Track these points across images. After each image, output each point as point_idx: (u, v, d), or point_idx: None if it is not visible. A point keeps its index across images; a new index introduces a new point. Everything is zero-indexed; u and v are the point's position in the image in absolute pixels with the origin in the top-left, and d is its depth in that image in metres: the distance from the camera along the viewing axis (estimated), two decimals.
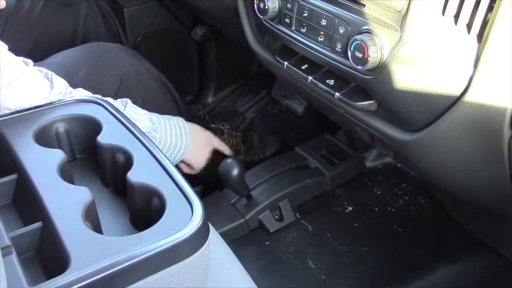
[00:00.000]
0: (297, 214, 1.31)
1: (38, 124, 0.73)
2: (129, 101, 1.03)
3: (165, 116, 1.13)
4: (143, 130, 0.75)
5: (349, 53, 0.79)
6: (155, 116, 1.09)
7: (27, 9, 1.40)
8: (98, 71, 1.18)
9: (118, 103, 0.99)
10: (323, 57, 0.87)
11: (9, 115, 0.75)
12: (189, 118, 1.39)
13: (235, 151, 1.55)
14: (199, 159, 1.23)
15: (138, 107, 1.04)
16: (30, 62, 0.85)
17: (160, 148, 0.91)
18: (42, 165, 0.66)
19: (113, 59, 1.22)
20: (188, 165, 1.24)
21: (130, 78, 1.22)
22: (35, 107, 0.77)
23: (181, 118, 1.19)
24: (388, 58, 0.75)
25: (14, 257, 0.55)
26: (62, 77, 0.93)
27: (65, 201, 0.61)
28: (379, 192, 1.37)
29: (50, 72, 0.87)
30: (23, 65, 0.81)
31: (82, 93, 0.91)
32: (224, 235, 0.82)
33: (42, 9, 1.42)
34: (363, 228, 1.28)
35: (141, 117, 1.03)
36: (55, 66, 1.13)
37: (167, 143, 1.11)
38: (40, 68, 0.87)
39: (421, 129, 0.78)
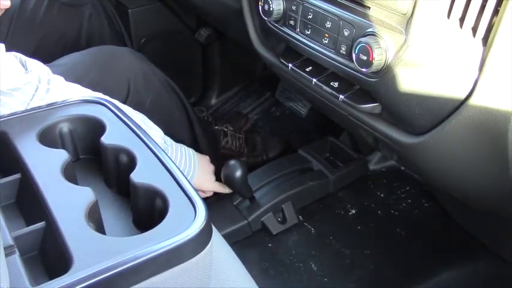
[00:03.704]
0: (300, 216, 1.31)
1: (42, 124, 0.73)
2: (145, 117, 1.03)
3: (178, 144, 1.13)
4: None
5: (354, 55, 0.79)
6: (168, 138, 1.09)
7: (31, 9, 1.40)
8: (106, 74, 1.18)
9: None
10: (327, 59, 0.87)
11: (13, 115, 0.75)
12: (196, 120, 1.40)
13: (238, 153, 1.55)
14: (207, 185, 1.23)
15: (153, 123, 1.04)
16: (1, 45, 0.84)
17: None
18: (45, 165, 0.66)
19: (121, 63, 1.22)
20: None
21: (138, 81, 1.22)
22: (39, 107, 0.77)
23: (192, 149, 1.19)
24: (392, 61, 0.75)
25: (16, 256, 0.55)
26: (72, 79, 0.93)
27: (68, 201, 0.61)
28: (382, 195, 1.37)
29: (24, 57, 0.86)
30: None
31: (74, 86, 0.91)
32: (227, 237, 0.82)
33: (47, 10, 1.43)
34: (365, 231, 1.28)
35: (155, 132, 1.03)
36: (64, 68, 1.13)
37: None
38: (16, 53, 0.87)
39: (425, 133, 0.78)
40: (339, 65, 0.85)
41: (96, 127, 0.74)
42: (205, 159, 1.24)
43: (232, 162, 1.17)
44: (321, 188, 1.35)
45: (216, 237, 0.75)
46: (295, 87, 1.06)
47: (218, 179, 1.22)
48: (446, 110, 0.73)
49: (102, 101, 0.79)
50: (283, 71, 1.02)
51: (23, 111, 0.76)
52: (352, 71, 0.83)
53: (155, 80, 1.28)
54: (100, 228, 0.64)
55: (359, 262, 1.21)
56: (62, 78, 0.90)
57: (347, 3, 0.81)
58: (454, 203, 1.25)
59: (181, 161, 1.12)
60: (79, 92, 0.90)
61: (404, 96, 0.76)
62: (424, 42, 0.70)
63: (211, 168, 1.23)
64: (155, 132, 1.03)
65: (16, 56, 0.86)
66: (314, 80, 0.91)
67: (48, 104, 0.78)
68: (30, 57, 0.87)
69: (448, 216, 1.29)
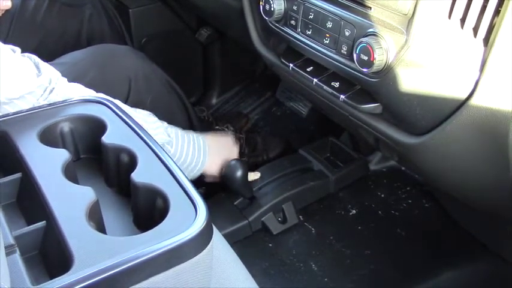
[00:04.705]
0: (300, 216, 1.31)
1: (42, 123, 0.73)
2: (149, 114, 1.03)
3: (184, 131, 1.13)
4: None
5: (355, 55, 0.79)
6: (173, 129, 1.09)
7: (32, 9, 1.40)
8: (107, 73, 1.18)
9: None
10: (328, 59, 0.87)
11: (14, 114, 0.75)
12: (196, 119, 1.40)
13: (239, 153, 1.55)
14: (215, 170, 1.23)
15: (155, 119, 1.04)
16: (17, 49, 0.85)
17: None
18: (46, 164, 0.66)
19: (121, 61, 1.23)
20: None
21: (139, 80, 1.22)
22: (40, 107, 0.77)
23: (202, 135, 1.18)
24: (393, 61, 0.75)
25: (17, 256, 0.55)
26: (72, 78, 0.93)
27: (69, 200, 0.61)
28: (382, 195, 1.37)
29: (37, 59, 0.87)
30: (10, 52, 0.82)
31: (76, 86, 0.91)
32: (227, 236, 0.82)
33: (47, 10, 1.43)
34: (366, 231, 1.28)
35: (156, 130, 1.03)
36: (65, 67, 1.13)
37: (181, 158, 1.11)
38: (30, 55, 0.88)
39: (426, 133, 0.78)
40: (340, 65, 0.85)
41: (97, 126, 0.74)
42: (225, 141, 1.23)
43: (232, 162, 1.18)
44: (322, 188, 1.35)
45: (217, 237, 0.75)
46: (295, 87, 1.06)
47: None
48: (447, 110, 0.73)
49: (103, 101, 0.79)
50: (284, 71, 1.02)
51: (23, 111, 0.76)
52: (353, 71, 0.83)
53: (156, 79, 1.28)
54: (101, 228, 0.64)
55: (359, 262, 1.21)
56: (65, 79, 0.90)
57: (348, 3, 0.81)
58: (454, 203, 1.25)
59: (189, 150, 1.11)
60: (82, 92, 0.90)
61: (405, 97, 0.76)
62: (425, 42, 0.71)
63: (228, 150, 1.23)
64: (156, 130, 1.03)
65: (30, 58, 0.87)
66: (315, 80, 0.91)
67: (49, 104, 0.78)
68: None
69: (448, 217, 1.29)
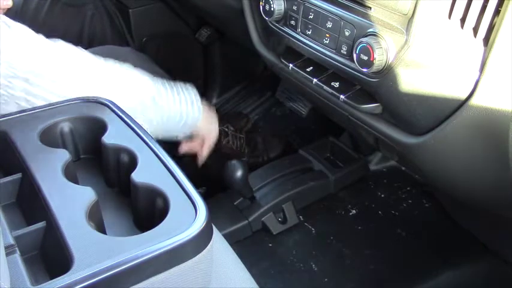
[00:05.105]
0: (301, 216, 1.31)
1: (43, 124, 0.73)
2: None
3: (173, 83, 1.12)
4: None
5: (355, 55, 0.79)
6: (166, 81, 1.08)
7: (33, 9, 1.41)
8: None
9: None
10: (328, 59, 0.87)
11: (14, 114, 0.75)
12: None
13: (239, 153, 1.55)
14: (212, 133, 1.22)
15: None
16: None
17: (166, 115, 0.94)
18: (46, 164, 0.66)
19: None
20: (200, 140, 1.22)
21: None
22: (40, 107, 0.77)
23: (194, 91, 1.17)
24: (393, 61, 0.75)
25: (17, 256, 0.55)
26: None
27: (69, 201, 0.61)
28: (382, 195, 1.37)
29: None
30: None
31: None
32: (227, 237, 0.82)
33: (49, 9, 1.43)
34: (366, 231, 1.28)
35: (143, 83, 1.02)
36: None
37: (175, 105, 1.10)
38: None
39: (426, 133, 0.78)
40: (340, 65, 0.85)
41: (97, 127, 0.74)
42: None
43: (233, 162, 1.18)
44: (322, 188, 1.35)
45: (217, 237, 0.75)
46: (295, 87, 1.06)
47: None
48: (447, 110, 0.72)
49: (103, 101, 0.79)
50: (284, 71, 1.02)
51: (23, 111, 0.76)
52: (352, 71, 0.83)
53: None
54: (101, 228, 0.64)
55: (359, 262, 1.21)
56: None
57: (348, 3, 0.81)
58: (454, 203, 1.25)
59: (182, 103, 1.11)
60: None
61: (405, 97, 0.76)
62: (425, 42, 0.70)
63: (213, 113, 1.24)
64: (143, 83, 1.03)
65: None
66: (315, 80, 0.91)
67: (49, 104, 0.78)
68: None
69: (448, 217, 1.29)
